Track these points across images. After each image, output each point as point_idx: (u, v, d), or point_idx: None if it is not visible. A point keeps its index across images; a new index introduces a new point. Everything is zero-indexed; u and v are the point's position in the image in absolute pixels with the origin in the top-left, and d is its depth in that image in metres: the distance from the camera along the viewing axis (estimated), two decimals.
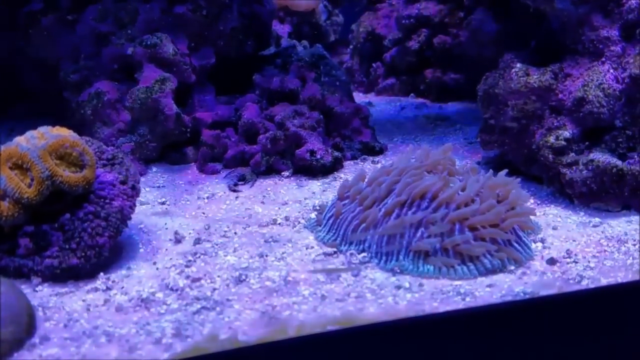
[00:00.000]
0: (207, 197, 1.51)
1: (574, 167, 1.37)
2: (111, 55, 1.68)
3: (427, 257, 1.16)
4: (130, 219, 1.22)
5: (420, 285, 1.10)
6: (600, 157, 1.35)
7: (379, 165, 1.67)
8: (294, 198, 1.50)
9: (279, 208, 1.44)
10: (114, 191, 1.21)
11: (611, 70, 1.37)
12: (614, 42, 1.38)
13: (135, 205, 1.23)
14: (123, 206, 1.20)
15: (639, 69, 1.33)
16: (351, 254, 1.20)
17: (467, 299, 1.06)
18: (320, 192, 1.53)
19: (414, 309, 1.04)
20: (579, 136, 1.39)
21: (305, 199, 1.49)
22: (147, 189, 1.55)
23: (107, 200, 1.19)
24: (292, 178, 1.61)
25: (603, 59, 1.39)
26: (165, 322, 1.00)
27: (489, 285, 1.10)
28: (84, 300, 1.08)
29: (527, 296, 1.07)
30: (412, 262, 1.16)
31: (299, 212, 1.41)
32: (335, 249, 1.23)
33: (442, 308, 1.04)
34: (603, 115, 1.36)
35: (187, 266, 1.18)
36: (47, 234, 1.14)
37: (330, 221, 1.29)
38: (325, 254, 1.22)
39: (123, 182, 1.23)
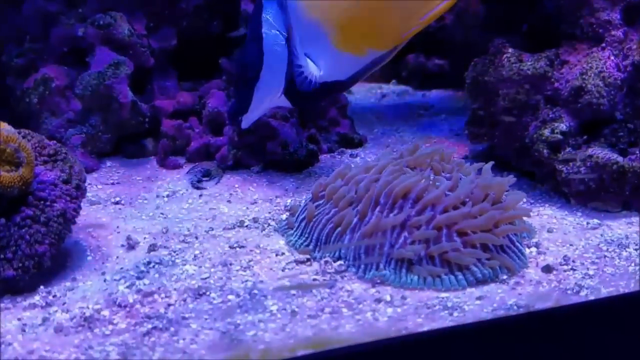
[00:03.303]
0: (167, 196, 1.37)
1: (570, 164, 1.26)
2: (60, 36, 1.53)
3: (411, 266, 1.04)
4: (74, 222, 1.09)
5: (403, 297, 0.99)
6: (600, 152, 1.24)
7: (357, 159, 1.56)
8: (265, 196, 1.37)
9: (247, 208, 1.31)
10: (56, 192, 1.08)
11: (612, 57, 1.26)
12: (616, 26, 1.28)
13: (80, 207, 1.10)
14: (66, 209, 1.07)
15: None
16: (326, 262, 1.08)
17: (455, 313, 0.95)
18: (293, 189, 1.41)
19: (396, 326, 0.93)
20: (577, 129, 1.29)
21: (276, 197, 1.36)
22: (100, 187, 1.40)
23: (48, 203, 1.07)
24: (262, 174, 1.48)
25: (603, 45, 1.28)
26: (110, 345, 0.88)
27: (479, 298, 1.00)
28: (19, 319, 0.95)
29: (521, 310, 0.97)
30: (394, 271, 1.05)
31: (269, 212, 1.28)
32: (308, 256, 1.11)
33: (427, 325, 0.93)
34: (603, 106, 1.26)
35: (138, 278, 1.05)
36: None
37: (303, 224, 1.16)
38: (297, 262, 1.10)
39: (66, 182, 1.10)
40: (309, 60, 1.10)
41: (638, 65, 1.23)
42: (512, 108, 1.34)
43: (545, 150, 1.29)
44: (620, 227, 1.21)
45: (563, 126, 1.28)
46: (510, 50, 1.35)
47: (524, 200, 1.30)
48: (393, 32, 1.12)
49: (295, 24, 1.10)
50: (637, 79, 1.24)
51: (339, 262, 1.08)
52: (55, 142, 1.15)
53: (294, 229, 1.18)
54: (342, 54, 1.10)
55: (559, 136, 1.28)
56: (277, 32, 1.13)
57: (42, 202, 1.06)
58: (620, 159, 1.23)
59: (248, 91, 1.21)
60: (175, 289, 1.01)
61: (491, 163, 1.18)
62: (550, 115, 1.30)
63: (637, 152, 1.23)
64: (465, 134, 1.51)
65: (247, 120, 1.28)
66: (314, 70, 1.11)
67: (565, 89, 1.29)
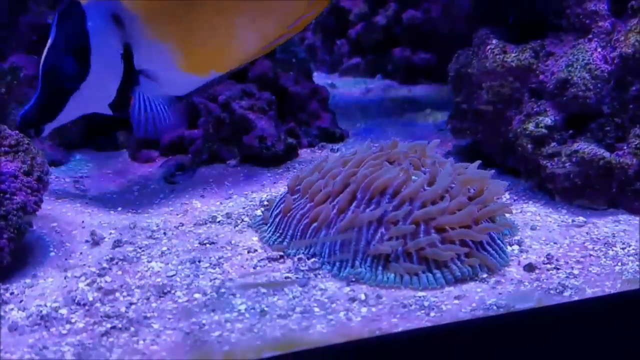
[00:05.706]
0: (138, 190, 1.32)
1: (555, 159, 1.22)
2: (29, 24, 1.49)
3: (388, 263, 1.00)
4: (35, 216, 1.04)
5: (379, 297, 0.95)
6: (586, 147, 1.19)
7: (337, 154, 1.51)
8: (240, 191, 1.32)
9: (221, 203, 1.26)
10: (16, 184, 1.03)
11: (599, 49, 1.22)
12: (603, 17, 1.23)
13: (41, 200, 1.05)
14: (26, 202, 1.03)
15: (630, 48, 1.18)
16: (299, 259, 1.04)
17: (432, 313, 0.91)
18: (270, 184, 1.36)
19: (369, 327, 0.88)
20: (562, 123, 1.24)
21: (252, 192, 1.31)
22: (67, 180, 1.35)
23: (7, 196, 1.02)
24: (238, 168, 1.43)
25: (590, 36, 1.24)
26: (65, 345, 0.84)
27: (458, 297, 0.95)
28: None
29: (501, 310, 0.93)
30: (369, 269, 1.00)
31: (244, 207, 1.23)
32: (281, 253, 1.07)
33: (402, 325, 0.88)
34: (589, 100, 1.21)
35: (100, 275, 0.99)
36: None
37: (277, 219, 1.11)
38: (270, 259, 1.05)
39: (27, 173, 1.05)
40: (147, 77, 1.14)
41: (626, 58, 1.18)
42: (495, 101, 1.30)
43: (529, 145, 1.25)
44: (606, 225, 1.17)
45: (548, 120, 1.24)
46: (494, 41, 1.30)
47: (507, 195, 1.26)
48: (235, 57, 1.21)
49: (135, 41, 1.12)
50: (625, 72, 1.19)
51: (313, 259, 1.03)
52: (17, 132, 1.11)
53: (268, 224, 1.13)
54: (185, 75, 1.16)
55: (544, 130, 1.24)
56: (111, 46, 1.12)
57: (1, 194, 1.01)
58: (607, 154, 1.19)
59: (59, 100, 1.15)
60: (138, 287, 0.96)
61: (477, 162, 1.13)
62: (535, 109, 1.26)
63: (625, 147, 1.19)
64: (449, 129, 1.47)
65: (49, 128, 1.20)
66: (152, 86, 1.15)
67: (550, 81, 1.25)
